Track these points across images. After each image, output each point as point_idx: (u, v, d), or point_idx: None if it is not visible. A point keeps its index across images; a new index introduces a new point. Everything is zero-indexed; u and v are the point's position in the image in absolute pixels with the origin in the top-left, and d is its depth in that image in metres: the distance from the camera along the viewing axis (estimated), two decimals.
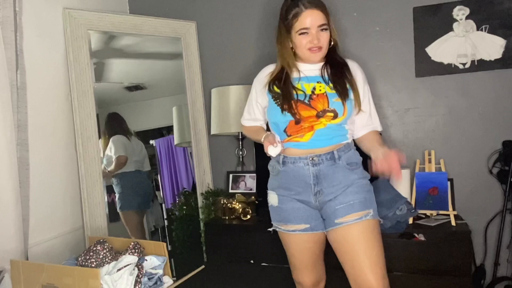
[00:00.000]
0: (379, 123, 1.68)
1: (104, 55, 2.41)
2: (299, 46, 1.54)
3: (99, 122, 2.26)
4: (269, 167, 1.68)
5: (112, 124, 2.42)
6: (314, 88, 1.57)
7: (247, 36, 2.62)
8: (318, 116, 1.54)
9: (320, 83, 1.58)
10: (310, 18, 1.49)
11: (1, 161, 1.78)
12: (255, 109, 1.75)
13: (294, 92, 1.57)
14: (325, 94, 1.55)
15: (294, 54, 1.60)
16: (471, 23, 2.21)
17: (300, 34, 1.52)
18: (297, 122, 1.55)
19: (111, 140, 2.39)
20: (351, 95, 1.57)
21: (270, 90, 1.63)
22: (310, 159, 1.54)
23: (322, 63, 1.62)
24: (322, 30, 1.52)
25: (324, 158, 1.54)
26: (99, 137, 2.26)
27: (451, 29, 2.24)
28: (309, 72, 1.61)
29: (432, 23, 2.26)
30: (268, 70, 1.68)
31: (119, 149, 2.39)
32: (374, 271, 1.48)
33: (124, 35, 2.45)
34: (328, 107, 1.53)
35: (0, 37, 1.77)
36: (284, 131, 1.58)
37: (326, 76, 1.59)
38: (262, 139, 1.63)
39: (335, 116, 1.54)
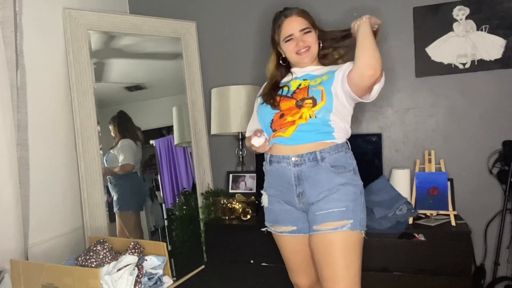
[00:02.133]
0: None
1: (104, 55, 2.41)
2: (288, 52, 1.65)
3: (99, 122, 2.26)
4: (263, 167, 1.70)
5: (122, 123, 2.42)
6: (299, 85, 1.61)
7: (247, 36, 2.62)
8: (298, 105, 1.55)
9: (306, 80, 1.62)
10: (291, 25, 1.61)
11: (1, 161, 1.78)
12: (254, 120, 1.79)
13: (283, 90, 1.64)
14: (307, 86, 1.58)
15: (286, 61, 1.71)
16: (471, 23, 2.21)
17: (286, 41, 1.63)
18: (281, 116, 1.58)
19: (120, 142, 2.39)
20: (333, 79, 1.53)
21: (263, 94, 1.71)
22: (292, 159, 1.53)
23: (317, 66, 1.68)
24: (305, 33, 1.60)
25: (306, 158, 1.52)
26: (99, 137, 2.26)
27: (451, 29, 2.24)
28: (299, 73, 1.68)
29: (432, 23, 2.26)
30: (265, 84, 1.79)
31: (128, 157, 2.40)
32: (339, 284, 1.44)
33: (124, 35, 2.45)
34: (307, 95, 1.55)
35: (0, 37, 1.77)
36: (270, 126, 1.61)
37: (314, 73, 1.64)
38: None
39: (314, 103, 1.52)
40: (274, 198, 1.63)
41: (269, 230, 1.70)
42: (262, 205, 1.71)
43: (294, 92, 1.60)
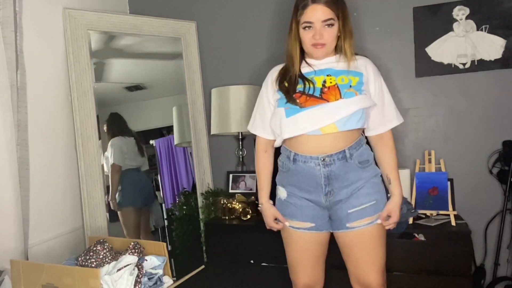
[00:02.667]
0: (392, 118, 1.62)
1: (104, 55, 2.41)
2: (304, 41, 1.54)
3: (99, 122, 2.26)
4: (279, 162, 1.65)
5: (113, 124, 2.41)
6: (324, 81, 1.53)
7: (247, 36, 2.62)
8: None
9: (330, 76, 1.54)
10: (315, 12, 1.47)
11: (1, 161, 1.78)
12: (267, 113, 1.65)
13: (304, 85, 1.53)
14: (336, 85, 1.52)
15: (302, 48, 1.58)
16: (471, 23, 2.21)
17: (304, 28, 1.51)
18: None
19: (110, 143, 2.38)
20: (362, 86, 1.54)
21: (281, 87, 1.58)
22: (322, 159, 1.50)
23: (333, 57, 1.59)
24: (327, 25, 1.49)
25: (335, 158, 1.50)
26: (99, 138, 2.26)
27: (451, 29, 2.24)
28: (319, 65, 1.57)
29: (432, 23, 2.26)
30: (277, 69, 1.65)
31: (115, 156, 2.37)
32: (376, 272, 1.55)
33: (124, 35, 2.45)
34: (341, 97, 1.49)
35: (0, 37, 1.77)
36: None
37: (336, 68, 1.56)
38: (260, 206, 1.69)
39: None
40: (294, 195, 1.59)
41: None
42: (278, 197, 1.66)
43: (321, 90, 1.52)
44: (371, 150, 1.62)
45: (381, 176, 1.62)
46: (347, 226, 1.54)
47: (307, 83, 1.53)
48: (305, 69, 1.58)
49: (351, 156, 1.51)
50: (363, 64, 1.58)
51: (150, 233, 2.55)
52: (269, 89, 1.64)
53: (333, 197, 1.54)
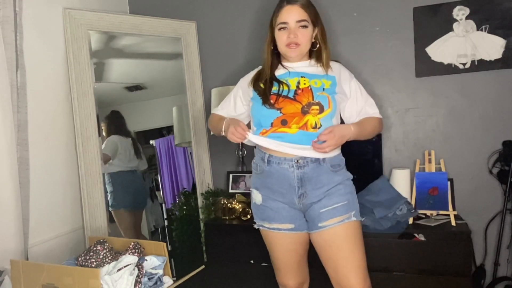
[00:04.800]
0: (377, 111, 1.69)
1: (104, 55, 2.41)
2: (279, 42, 1.59)
3: (99, 122, 2.26)
4: (253, 165, 1.67)
5: (112, 122, 2.41)
6: (298, 83, 1.57)
7: (247, 36, 2.61)
8: (304, 111, 1.51)
9: (304, 77, 1.58)
10: (289, 13, 1.55)
11: (1, 161, 1.78)
12: (232, 103, 1.74)
13: (279, 87, 1.57)
14: (309, 87, 1.55)
15: (278, 53, 1.64)
16: (471, 23, 2.21)
17: (279, 29, 1.57)
18: (284, 122, 1.53)
19: (106, 140, 2.38)
20: (335, 88, 1.58)
21: (255, 86, 1.64)
22: (296, 161, 1.53)
23: (307, 61, 1.64)
24: (301, 26, 1.55)
25: (309, 160, 1.53)
26: (99, 136, 2.26)
27: (451, 29, 2.24)
28: (294, 68, 1.62)
29: (432, 23, 2.26)
30: (256, 70, 1.72)
31: (105, 148, 2.37)
32: (356, 274, 1.52)
33: (124, 35, 2.45)
34: (313, 100, 1.52)
35: (0, 37, 1.77)
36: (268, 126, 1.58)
37: (310, 72, 1.61)
38: (224, 126, 1.63)
39: (321, 109, 1.52)
40: (269, 197, 1.61)
41: (260, 228, 1.68)
42: (253, 202, 1.67)
43: (295, 92, 1.55)
44: (341, 155, 1.65)
45: (352, 180, 1.64)
46: (319, 226, 1.55)
47: (281, 85, 1.58)
48: (280, 71, 1.64)
49: (324, 159, 1.54)
50: (335, 69, 1.63)
51: (143, 236, 2.52)
52: (243, 89, 1.70)
53: (306, 200, 1.56)
